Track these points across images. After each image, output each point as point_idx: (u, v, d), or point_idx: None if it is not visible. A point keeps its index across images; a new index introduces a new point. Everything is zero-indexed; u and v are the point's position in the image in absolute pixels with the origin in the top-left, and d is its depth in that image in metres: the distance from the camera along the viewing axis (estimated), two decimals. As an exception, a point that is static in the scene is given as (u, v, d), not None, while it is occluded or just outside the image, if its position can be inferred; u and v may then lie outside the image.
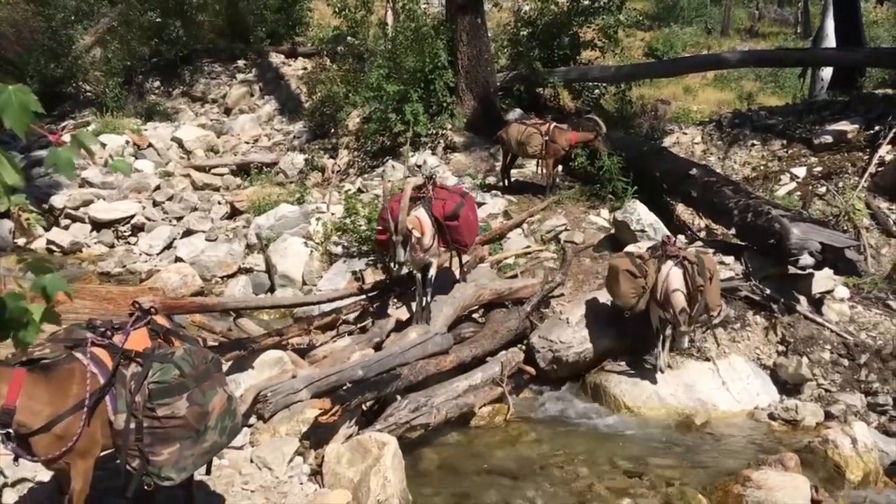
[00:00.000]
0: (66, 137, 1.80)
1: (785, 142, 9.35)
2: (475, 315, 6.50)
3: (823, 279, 6.23)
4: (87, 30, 15.71)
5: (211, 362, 3.21)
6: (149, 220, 10.15)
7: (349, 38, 13.85)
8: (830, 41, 12.93)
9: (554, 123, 8.70)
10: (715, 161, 9.63)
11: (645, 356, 5.87)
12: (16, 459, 2.81)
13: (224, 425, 3.13)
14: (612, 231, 7.69)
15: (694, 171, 7.89)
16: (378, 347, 5.56)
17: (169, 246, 9.48)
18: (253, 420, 4.53)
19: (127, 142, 12.37)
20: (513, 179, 9.39)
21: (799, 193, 8.25)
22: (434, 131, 10.77)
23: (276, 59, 16.28)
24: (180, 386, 2.97)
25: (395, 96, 10.51)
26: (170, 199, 10.77)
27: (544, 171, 8.97)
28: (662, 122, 12.65)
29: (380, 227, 5.67)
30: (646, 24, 22.18)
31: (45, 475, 3.62)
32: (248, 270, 8.52)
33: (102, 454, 3.02)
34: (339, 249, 8.02)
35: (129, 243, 9.87)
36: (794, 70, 15.71)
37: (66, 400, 2.80)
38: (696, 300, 5.19)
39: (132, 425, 2.92)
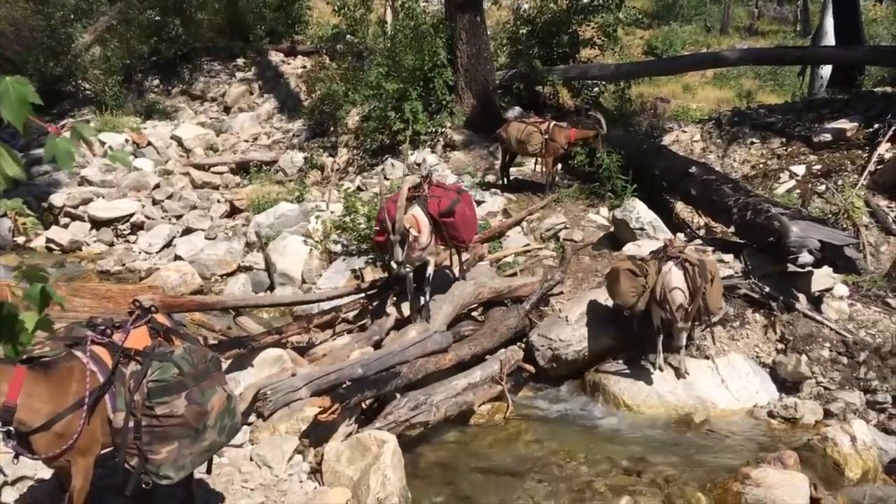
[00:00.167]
0: (67, 134, 1.77)
1: (784, 140, 9.36)
2: (474, 313, 6.49)
3: (823, 277, 6.22)
4: (86, 28, 15.73)
5: (210, 361, 3.21)
6: (148, 218, 10.16)
7: (348, 36, 13.86)
8: (830, 39, 12.91)
9: (553, 122, 8.69)
10: (714, 159, 9.63)
11: (645, 355, 5.87)
12: (16, 457, 2.82)
13: (223, 424, 3.13)
14: (612, 229, 7.69)
15: (693, 170, 7.90)
16: (377, 346, 5.57)
17: (168, 244, 9.48)
18: (252, 418, 4.53)
19: (126, 140, 12.39)
20: (512, 178, 9.39)
21: (798, 191, 8.27)
22: (433, 129, 10.77)
23: (275, 57, 16.27)
24: (179, 385, 2.97)
25: (395, 94, 10.51)
26: (169, 197, 10.77)
27: (544, 169, 8.97)
28: (662, 121, 12.62)
29: (377, 228, 5.64)
30: (645, 23, 22.18)
31: (45, 473, 3.63)
32: (247, 269, 8.52)
33: (102, 452, 3.02)
34: (338, 248, 8.01)
35: (128, 242, 9.88)
36: (794, 68, 15.73)
37: (66, 398, 2.81)
38: (695, 300, 5.19)
39: (131, 424, 2.93)
